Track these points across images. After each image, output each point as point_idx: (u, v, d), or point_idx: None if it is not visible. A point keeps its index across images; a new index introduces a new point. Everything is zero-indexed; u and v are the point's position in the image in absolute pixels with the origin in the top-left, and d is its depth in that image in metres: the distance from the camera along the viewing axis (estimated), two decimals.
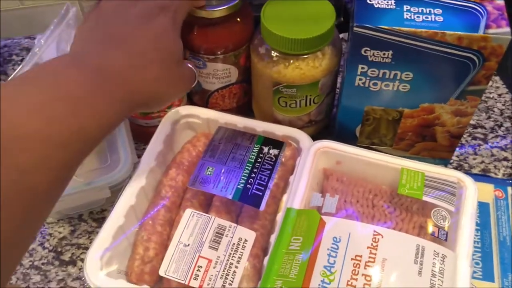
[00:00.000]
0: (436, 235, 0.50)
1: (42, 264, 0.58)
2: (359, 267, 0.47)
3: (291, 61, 0.57)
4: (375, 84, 0.55)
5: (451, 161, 0.66)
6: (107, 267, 0.52)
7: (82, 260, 0.58)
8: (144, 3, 0.46)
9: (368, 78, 0.54)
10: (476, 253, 0.56)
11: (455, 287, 0.47)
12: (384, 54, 0.52)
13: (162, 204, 0.57)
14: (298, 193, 0.55)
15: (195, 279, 0.49)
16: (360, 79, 0.55)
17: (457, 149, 0.64)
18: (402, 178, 0.54)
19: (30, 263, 0.58)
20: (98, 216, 0.62)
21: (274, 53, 0.57)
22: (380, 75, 0.54)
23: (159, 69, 0.45)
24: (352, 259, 0.48)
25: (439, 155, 0.63)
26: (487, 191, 0.61)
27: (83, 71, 0.41)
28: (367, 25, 0.50)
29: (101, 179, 0.58)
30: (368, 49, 0.51)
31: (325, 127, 0.67)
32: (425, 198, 0.52)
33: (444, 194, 0.53)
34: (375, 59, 0.52)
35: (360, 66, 0.53)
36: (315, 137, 0.60)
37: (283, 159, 0.59)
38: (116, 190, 0.57)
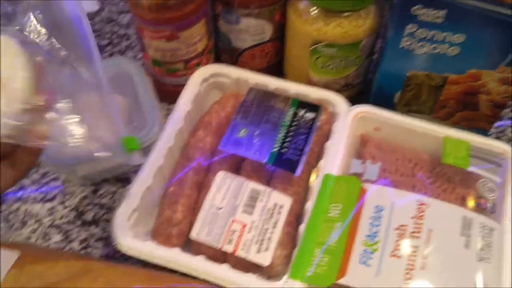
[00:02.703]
0: (483, 207, 0.48)
1: (63, 223, 0.56)
2: (403, 238, 0.45)
3: (333, 18, 0.53)
4: (422, 46, 0.52)
5: (490, 133, 0.63)
6: (134, 228, 0.49)
7: (106, 220, 0.56)
8: None
9: (415, 39, 0.51)
10: None
11: (502, 262, 0.45)
12: (437, 13, 0.48)
13: (190, 166, 0.54)
14: (336, 159, 0.52)
15: (229, 243, 0.47)
16: (406, 41, 0.51)
17: None
18: (446, 147, 0.51)
19: (50, 222, 0.56)
20: (122, 176, 0.59)
21: (314, 9, 0.54)
22: (429, 37, 0.50)
23: None
24: (396, 229, 0.45)
25: (479, 125, 0.60)
26: None
27: None
28: None
29: None
30: (421, 7, 0.48)
31: (360, 93, 0.64)
32: (470, 169, 0.50)
33: (490, 165, 0.50)
34: (426, 18, 0.49)
35: (408, 26, 0.50)
36: (349, 102, 0.57)
37: (318, 123, 0.57)
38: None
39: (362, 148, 0.56)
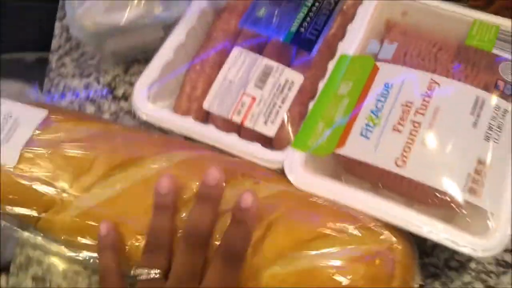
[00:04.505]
0: (501, 89, 0.46)
1: (97, 97, 0.60)
2: (408, 114, 0.44)
3: None
4: None
5: None
6: (154, 100, 0.52)
7: None
8: None
9: None
10: None
11: None
12: None
13: (213, 47, 0.56)
14: (355, 40, 0.51)
15: (238, 114, 0.49)
16: None
17: None
18: (473, 29, 0.49)
19: (86, 95, 0.60)
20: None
21: None
22: None
23: None
24: (402, 105, 0.45)
25: None
26: None
27: None
28: None
29: (154, 17, 0.57)
30: None
31: None
32: (495, 51, 0.47)
33: None
34: None
35: None
36: None
37: (344, 7, 0.55)
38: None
39: (386, 34, 0.54)
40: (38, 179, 0.44)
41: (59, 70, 0.63)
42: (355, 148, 0.44)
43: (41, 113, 0.49)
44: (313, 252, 0.39)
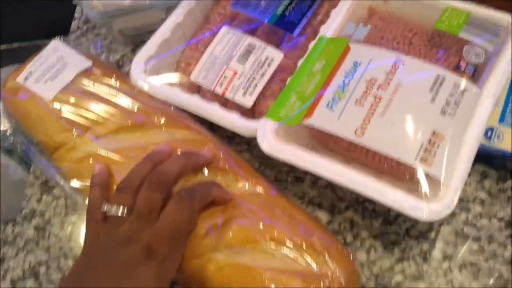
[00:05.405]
0: (462, 69, 0.48)
1: None
2: (371, 89, 0.48)
3: None
4: None
5: None
6: (151, 73, 0.57)
7: None
8: (131, 248, 0.40)
9: None
10: None
11: (471, 120, 0.46)
12: None
13: (209, 29, 0.61)
14: (334, 23, 0.55)
15: (220, 86, 0.54)
16: None
17: None
18: (444, 15, 0.51)
19: None
20: None
21: None
22: None
23: None
24: (366, 81, 0.48)
25: (504, 6, 0.58)
26: None
27: None
28: None
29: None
30: None
31: None
32: (461, 35, 0.50)
33: (485, 33, 0.50)
34: None
35: None
36: None
37: None
38: None
39: (367, 20, 0.57)
40: (61, 118, 0.52)
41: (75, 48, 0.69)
42: (320, 119, 0.48)
43: (86, 63, 0.56)
44: (258, 254, 0.42)
